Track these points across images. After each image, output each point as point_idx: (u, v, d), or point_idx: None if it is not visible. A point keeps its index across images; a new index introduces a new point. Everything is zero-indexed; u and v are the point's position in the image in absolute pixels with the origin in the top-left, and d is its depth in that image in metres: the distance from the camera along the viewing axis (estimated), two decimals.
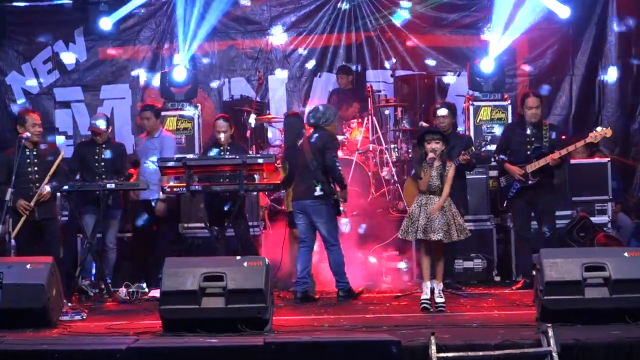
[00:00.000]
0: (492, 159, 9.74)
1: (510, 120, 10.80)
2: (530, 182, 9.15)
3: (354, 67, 12.09)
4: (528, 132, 9.25)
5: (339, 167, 8.73)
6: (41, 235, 9.05)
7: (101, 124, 9.53)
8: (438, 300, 7.78)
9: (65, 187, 9.05)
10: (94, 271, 9.45)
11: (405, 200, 10.03)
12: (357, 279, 9.16)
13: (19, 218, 8.75)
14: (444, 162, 7.84)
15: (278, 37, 12.21)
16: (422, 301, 7.80)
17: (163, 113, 10.58)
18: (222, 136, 9.67)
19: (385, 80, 12.07)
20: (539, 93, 9.70)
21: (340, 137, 10.56)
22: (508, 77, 11.70)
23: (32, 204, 8.84)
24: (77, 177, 9.47)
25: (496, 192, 9.84)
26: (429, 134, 7.89)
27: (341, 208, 8.74)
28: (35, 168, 8.97)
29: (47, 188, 8.89)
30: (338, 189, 8.73)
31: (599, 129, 9.24)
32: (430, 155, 7.73)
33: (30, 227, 8.88)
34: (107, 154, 9.49)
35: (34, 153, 9.00)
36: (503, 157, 9.34)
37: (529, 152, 9.22)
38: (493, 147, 9.79)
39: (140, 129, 10.51)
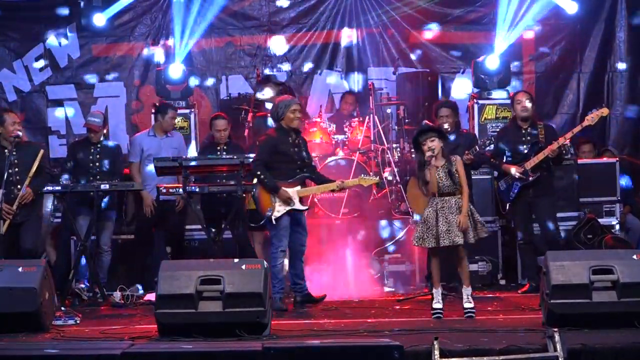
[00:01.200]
0: (490, 162, 9.63)
1: None
2: (530, 178, 9.06)
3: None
4: (522, 131, 9.19)
5: (259, 173, 8.28)
6: (18, 233, 8.86)
7: (98, 120, 9.41)
8: (467, 305, 7.54)
9: (58, 188, 8.93)
10: (88, 274, 9.34)
11: (407, 201, 9.91)
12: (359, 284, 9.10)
13: (3, 222, 8.58)
14: (448, 158, 7.59)
15: (277, 33, 12.08)
16: (435, 311, 7.58)
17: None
18: (221, 135, 9.56)
19: (387, 78, 11.96)
20: (528, 91, 9.69)
21: (340, 137, 10.50)
22: (514, 74, 11.58)
23: (14, 207, 8.67)
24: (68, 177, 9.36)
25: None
26: (422, 134, 7.61)
27: (271, 213, 8.25)
28: (16, 169, 8.79)
29: (29, 189, 8.73)
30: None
31: (594, 110, 9.17)
32: (428, 154, 7.49)
33: (12, 230, 8.70)
34: (102, 154, 9.36)
35: (13, 153, 8.77)
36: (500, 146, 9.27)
37: (526, 151, 9.15)
38: None
39: (135, 128, 10.37)
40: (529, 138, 9.16)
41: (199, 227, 9.45)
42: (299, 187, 8.40)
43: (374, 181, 8.89)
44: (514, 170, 9.06)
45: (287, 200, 8.29)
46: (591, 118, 9.08)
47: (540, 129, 9.19)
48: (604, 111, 9.19)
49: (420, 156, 7.58)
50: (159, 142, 9.74)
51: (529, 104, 9.16)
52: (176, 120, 10.10)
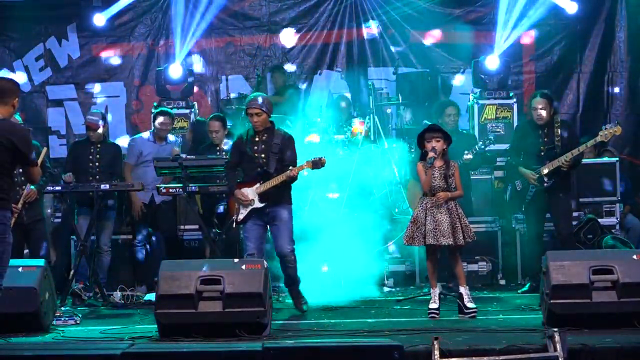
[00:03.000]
0: (505, 163, 9.59)
1: (516, 119, 10.71)
2: (545, 184, 8.98)
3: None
4: (539, 132, 9.10)
5: (224, 176, 8.49)
6: (29, 238, 8.90)
7: (97, 119, 9.39)
8: (469, 305, 7.55)
9: (58, 188, 8.93)
10: (88, 274, 9.29)
11: (408, 201, 9.90)
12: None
13: None
14: (448, 162, 7.63)
15: (277, 33, 12.07)
16: (430, 311, 7.61)
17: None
18: (215, 136, 9.57)
19: (387, 78, 11.95)
20: (546, 93, 9.35)
21: (340, 137, 10.48)
22: (514, 74, 11.61)
23: (19, 206, 8.65)
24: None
25: (501, 193, 9.76)
26: (428, 132, 7.67)
27: (236, 217, 8.18)
28: (20, 169, 8.77)
29: (33, 188, 8.70)
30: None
31: (608, 126, 9.09)
32: (430, 154, 7.53)
33: (17, 230, 8.63)
34: (102, 154, 9.35)
35: None
36: None
37: (542, 153, 9.06)
38: (498, 147, 9.69)
39: (135, 128, 10.33)
40: (545, 139, 9.04)
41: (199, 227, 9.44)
42: (258, 185, 8.12)
43: (313, 164, 8.19)
44: (529, 176, 8.99)
45: (247, 202, 8.09)
46: (604, 135, 8.93)
47: (557, 128, 9.05)
48: (617, 130, 8.95)
49: (422, 151, 7.62)
50: (157, 148, 9.73)
51: (543, 112, 8.99)
52: (175, 121, 10.10)
